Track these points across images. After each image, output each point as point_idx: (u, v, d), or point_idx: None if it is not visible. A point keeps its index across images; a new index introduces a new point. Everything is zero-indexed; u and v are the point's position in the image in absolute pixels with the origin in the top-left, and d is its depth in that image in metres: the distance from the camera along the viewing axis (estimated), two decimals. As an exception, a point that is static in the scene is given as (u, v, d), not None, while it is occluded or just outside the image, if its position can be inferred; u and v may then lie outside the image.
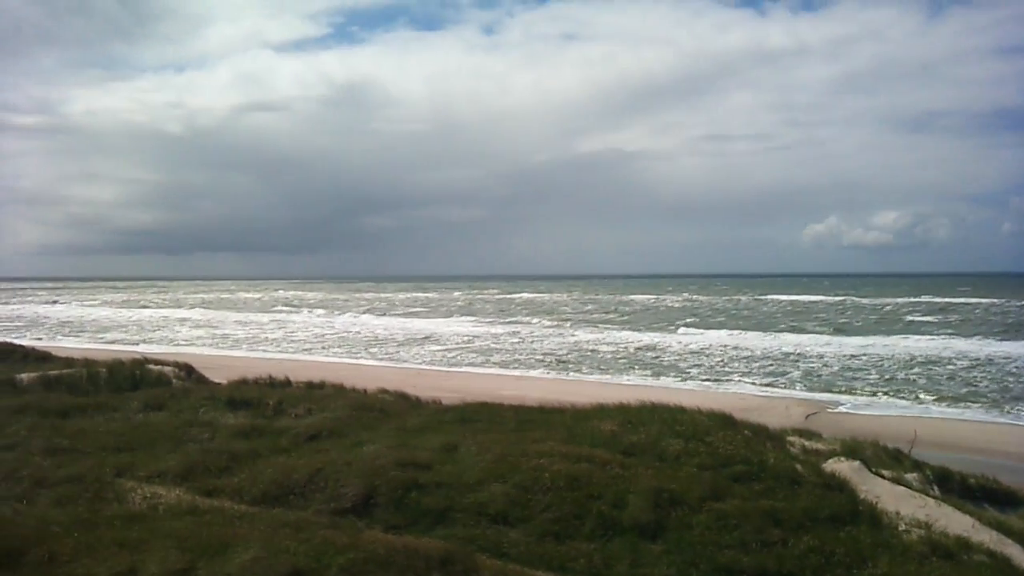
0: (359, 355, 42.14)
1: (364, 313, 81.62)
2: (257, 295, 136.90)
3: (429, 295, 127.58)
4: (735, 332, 53.40)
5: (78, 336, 55.84)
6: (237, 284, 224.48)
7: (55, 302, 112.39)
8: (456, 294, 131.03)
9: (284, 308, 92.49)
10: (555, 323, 64.40)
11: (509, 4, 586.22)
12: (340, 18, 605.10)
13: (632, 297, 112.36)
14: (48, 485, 9.19)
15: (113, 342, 49.94)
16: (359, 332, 57.38)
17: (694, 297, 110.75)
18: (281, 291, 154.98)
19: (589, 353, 41.46)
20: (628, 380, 31.53)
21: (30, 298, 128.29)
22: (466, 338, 51.32)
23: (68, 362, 19.62)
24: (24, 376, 16.79)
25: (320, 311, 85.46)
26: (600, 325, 62.12)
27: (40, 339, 46.33)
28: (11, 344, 25.04)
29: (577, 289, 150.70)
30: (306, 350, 45.04)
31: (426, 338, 51.55)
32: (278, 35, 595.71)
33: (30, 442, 11.24)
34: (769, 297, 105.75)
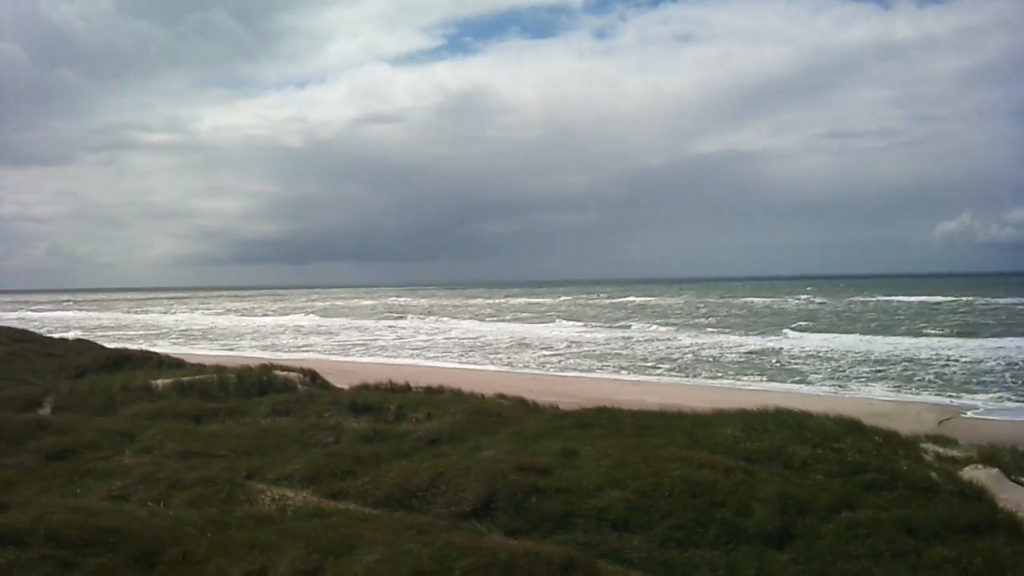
0: (474, 360, 42.53)
1: (476, 319, 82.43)
2: (372, 302, 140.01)
3: (542, 300, 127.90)
4: (858, 335, 51.63)
5: (208, 343, 58.32)
6: (355, 291, 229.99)
7: (174, 311, 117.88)
8: (567, 298, 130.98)
9: (398, 314, 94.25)
10: (670, 327, 63.64)
11: (622, 8, 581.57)
12: (453, 29, 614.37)
13: (749, 299, 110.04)
14: (183, 487, 9.51)
15: (238, 349, 51.91)
16: (473, 337, 57.94)
17: (815, 299, 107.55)
18: (395, 298, 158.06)
19: (705, 356, 40.78)
20: (747, 384, 30.88)
21: (156, 307, 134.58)
22: (579, 343, 51.20)
23: (200, 368, 20.45)
24: (159, 382, 17.57)
25: (433, 317, 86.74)
26: (716, 328, 61.08)
27: (156, 345, 48.34)
28: (148, 351, 26.36)
29: (692, 292, 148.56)
30: (421, 355, 45.76)
31: (539, 343, 51.64)
32: (394, 48, 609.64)
33: (165, 445, 11.71)
34: (895, 298, 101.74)
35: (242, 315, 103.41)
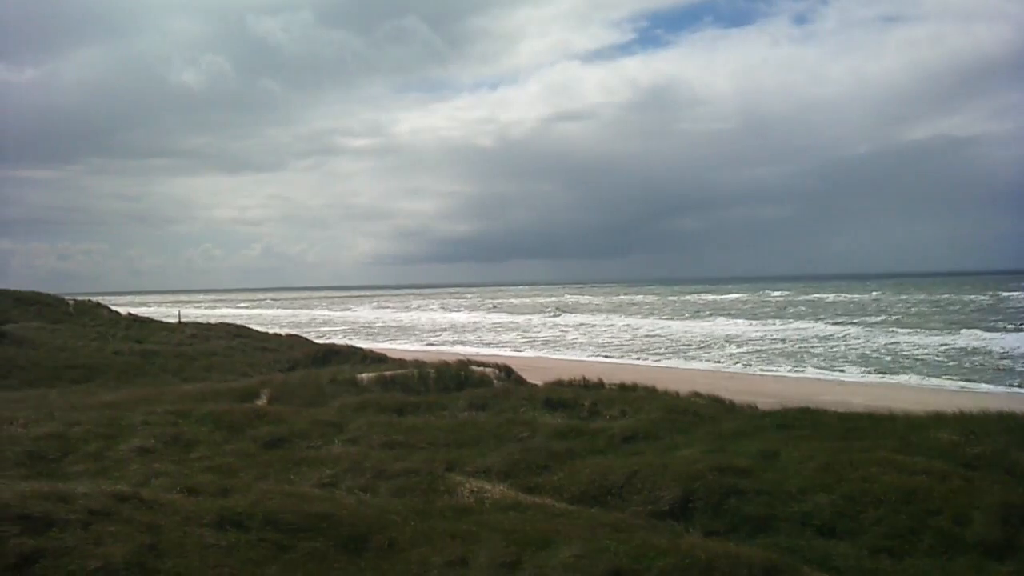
0: (662, 357, 42.06)
1: (664, 316, 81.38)
2: (554, 298, 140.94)
3: (739, 296, 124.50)
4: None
5: (403, 338, 60.71)
6: (541, 289, 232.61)
7: (373, 307, 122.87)
8: (755, 296, 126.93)
9: (584, 311, 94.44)
10: (866, 325, 60.37)
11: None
12: (644, 22, 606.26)
13: (959, 296, 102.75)
14: (387, 477, 9.88)
15: (432, 344, 53.69)
16: (659, 334, 57.27)
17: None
18: (579, 295, 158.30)
19: (905, 355, 38.56)
20: (955, 385, 28.92)
21: (357, 305, 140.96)
22: (770, 339, 49.65)
23: (401, 363, 21.29)
24: (364, 376, 18.42)
25: (618, 314, 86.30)
26: (917, 327, 57.34)
27: (353, 340, 50.60)
28: (352, 346, 27.74)
29: (890, 288, 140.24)
30: (610, 352, 45.66)
31: (729, 340, 50.37)
32: (584, 45, 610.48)
33: (371, 436, 12.24)
34: None
35: (434, 311, 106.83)
